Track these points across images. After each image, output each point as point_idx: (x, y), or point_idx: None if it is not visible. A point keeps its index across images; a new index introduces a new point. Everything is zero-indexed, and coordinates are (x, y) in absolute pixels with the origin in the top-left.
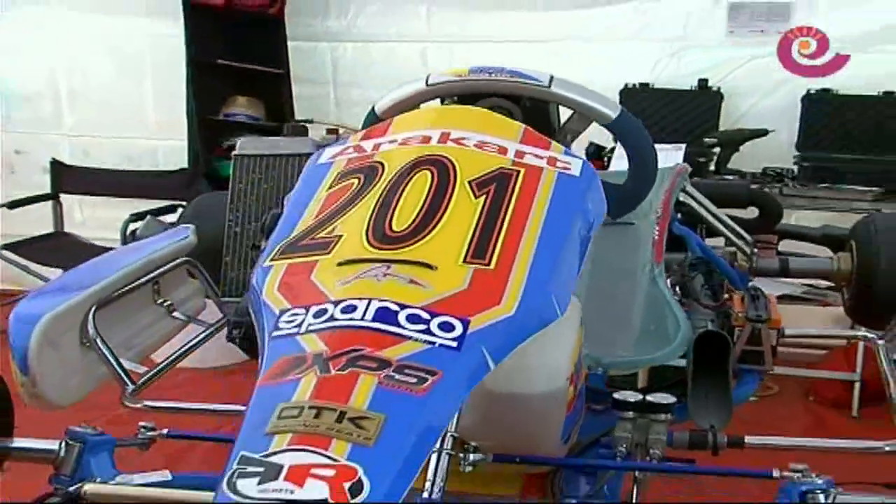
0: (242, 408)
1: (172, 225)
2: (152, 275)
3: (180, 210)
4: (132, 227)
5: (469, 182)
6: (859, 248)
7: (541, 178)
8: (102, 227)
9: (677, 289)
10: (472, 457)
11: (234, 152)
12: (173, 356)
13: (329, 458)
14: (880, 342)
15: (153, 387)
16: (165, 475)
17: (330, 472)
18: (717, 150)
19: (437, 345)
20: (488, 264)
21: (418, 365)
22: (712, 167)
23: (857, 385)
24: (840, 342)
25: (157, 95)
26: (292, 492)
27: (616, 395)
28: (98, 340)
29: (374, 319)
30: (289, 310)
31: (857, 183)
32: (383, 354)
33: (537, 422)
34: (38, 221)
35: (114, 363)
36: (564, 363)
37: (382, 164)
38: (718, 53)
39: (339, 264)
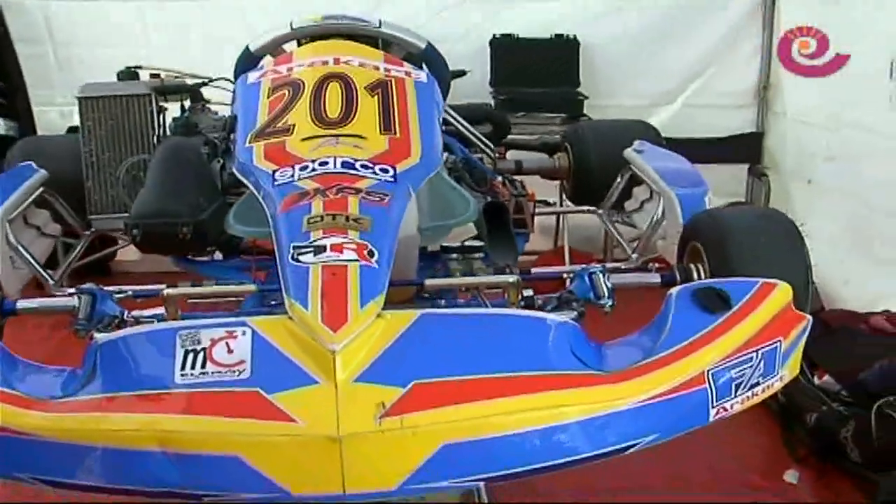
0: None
1: None
2: (26, 203)
3: None
4: None
5: (365, 87)
6: (574, 149)
7: (406, 83)
8: None
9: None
10: None
11: (76, 95)
12: (74, 255)
13: (350, 239)
14: (601, 211)
15: None
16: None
17: (353, 246)
18: None
19: (382, 180)
20: (395, 134)
21: (377, 191)
22: None
23: None
24: None
25: None
26: (338, 257)
27: (443, 244)
28: (20, 247)
29: (341, 167)
30: (278, 169)
31: (546, 111)
32: (356, 186)
33: (404, 257)
34: None
35: (35, 264)
36: (413, 219)
37: (302, 80)
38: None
39: (303, 139)
